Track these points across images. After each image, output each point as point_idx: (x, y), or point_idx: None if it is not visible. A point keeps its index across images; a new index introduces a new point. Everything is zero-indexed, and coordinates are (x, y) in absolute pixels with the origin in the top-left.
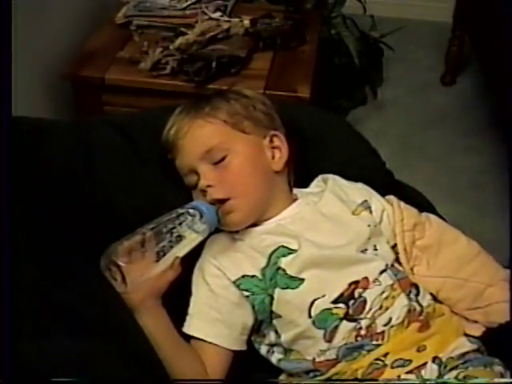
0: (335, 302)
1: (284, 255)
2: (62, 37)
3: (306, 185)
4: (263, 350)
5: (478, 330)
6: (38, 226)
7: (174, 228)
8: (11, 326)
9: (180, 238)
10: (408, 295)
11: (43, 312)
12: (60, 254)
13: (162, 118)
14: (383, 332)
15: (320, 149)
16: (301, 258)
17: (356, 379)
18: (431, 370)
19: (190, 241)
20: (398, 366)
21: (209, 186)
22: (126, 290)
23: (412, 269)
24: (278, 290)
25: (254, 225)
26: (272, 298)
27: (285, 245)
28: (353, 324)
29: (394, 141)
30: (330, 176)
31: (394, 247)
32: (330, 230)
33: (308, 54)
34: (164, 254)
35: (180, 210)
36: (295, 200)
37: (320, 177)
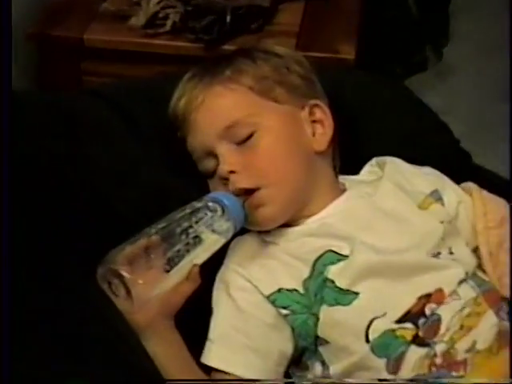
0: (400, 321)
1: (332, 262)
2: None
3: (355, 171)
4: None
5: None
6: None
7: (189, 227)
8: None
9: (197, 239)
10: (497, 312)
11: (40, 332)
12: (44, 260)
13: (167, 87)
14: (465, 360)
15: (372, 124)
16: (354, 265)
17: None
18: None
19: (210, 244)
20: None
21: (232, 172)
22: (132, 309)
23: (500, 278)
24: (324, 308)
25: (291, 224)
26: (317, 319)
27: (333, 249)
28: (424, 350)
29: (464, 117)
30: (388, 159)
31: (475, 250)
32: (391, 228)
33: (351, 2)
34: (178, 262)
35: (196, 204)
36: (343, 191)
37: (374, 160)
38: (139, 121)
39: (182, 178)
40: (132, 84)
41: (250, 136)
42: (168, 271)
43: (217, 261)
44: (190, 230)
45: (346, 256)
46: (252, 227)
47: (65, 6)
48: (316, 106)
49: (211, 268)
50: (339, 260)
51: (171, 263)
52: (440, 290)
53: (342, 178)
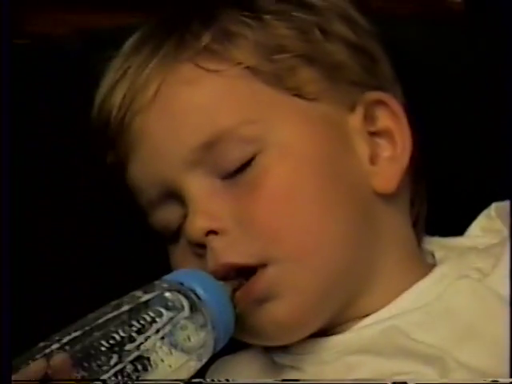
0: None
1: None
2: None
3: (460, 229)
4: None
5: None
6: None
7: (127, 341)
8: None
9: (143, 365)
10: None
11: None
12: None
13: (86, 62)
14: None
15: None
16: None
17: None
18: None
19: (168, 372)
20: None
21: (213, 232)
22: None
23: None
24: None
25: (328, 330)
26: None
27: (406, 381)
28: None
29: None
30: None
31: None
32: None
33: None
34: None
35: (141, 296)
36: (431, 267)
37: (494, 207)
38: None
39: (112, 239)
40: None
41: (249, 162)
42: None
43: None
44: (128, 347)
45: None
46: (251, 339)
47: None
48: (379, 103)
49: None
50: None
51: None
52: None
53: (433, 242)
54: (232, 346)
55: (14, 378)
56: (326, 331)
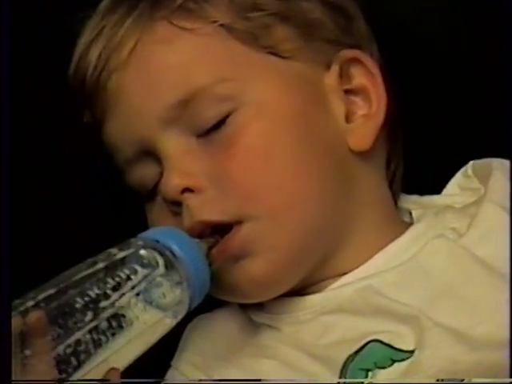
0: None
1: (382, 366)
2: None
3: (437, 187)
4: None
5: None
6: None
7: (102, 298)
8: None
9: (118, 322)
10: None
11: None
12: None
13: (74, 17)
14: None
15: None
16: (424, 371)
17: None
18: None
19: (144, 329)
20: None
21: (187, 189)
22: None
23: None
24: None
25: (304, 290)
26: None
27: (382, 339)
28: None
29: None
30: (496, 162)
31: None
32: (493, 296)
33: None
34: (79, 364)
35: (117, 254)
36: (408, 226)
37: (471, 165)
38: None
39: (91, 198)
40: None
41: (224, 120)
42: (58, 382)
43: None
44: (103, 303)
45: (410, 352)
46: (227, 297)
47: None
48: (354, 61)
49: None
50: (394, 360)
51: (65, 367)
52: None
53: (409, 201)
54: (209, 303)
55: None
56: (302, 290)
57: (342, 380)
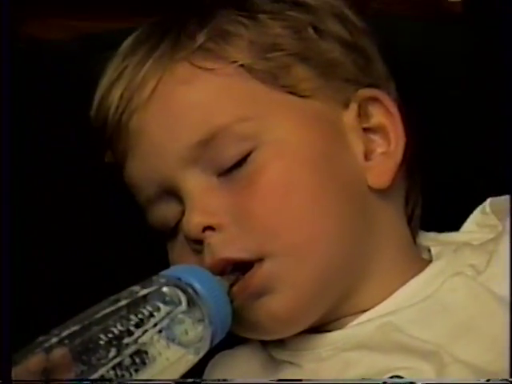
0: None
1: None
2: None
3: (455, 224)
4: None
5: None
6: None
7: (125, 335)
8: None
9: (141, 358)
10: None
11: None
12: None
13: (84, 64)
14: None
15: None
16: None
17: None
18: None
19: (166, 365)
20: None
21: (210, 228)
22: None
23: None
24: None
25: (324, 327)
26: None
27: (402, 375)
28: None
29: None
30: None
31: None
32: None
33: None
34: None
35: (139, 291)
36: (427, 263)
37: (489, 203)
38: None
39: (112, 240)
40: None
41: (245, 158)
42: None
43: None
44: (126, 340)
45: None
46: (248, 334)
47: None
48: (373, 100)
49: None
50: None
51: None
52: None
53: (427, 238)
54: (230, 340)
55: (14, 371)
56: (322, 327)
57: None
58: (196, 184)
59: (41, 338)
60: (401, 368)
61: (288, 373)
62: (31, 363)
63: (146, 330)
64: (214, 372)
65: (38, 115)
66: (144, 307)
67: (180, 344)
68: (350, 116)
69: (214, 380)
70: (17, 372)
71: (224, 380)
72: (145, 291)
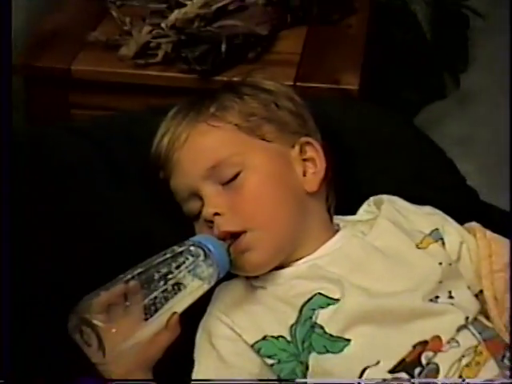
0: (394, 370)
1: (322, 306)
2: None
3: (353, 211)
4: None
5: None
6: None
7: (169, 273)
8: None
9: (178, 286)
10: (500, 361)
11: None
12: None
13: (150, 124)
14: None
15: (372, 161)
16: (345, 309)
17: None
18: None
19: (192, 290)
20: None
21: (216, 214)
22: (104, 361)
23: (506, 325)
24: (314, 356)
25: (280, 267)
26: (306, 367)
27: (322, 292)
28: None
29: (484, 149)
30: (386, 197)
31: (478, 294)
32: (386, 270)
33: (357, 28)
34: (156, 310)
35: (177, 249)
36: (337, 232)
37: (372, 199)
38: (120, 160)
39: (164, 221)
40: (115, 120)
41: (236, 176)
42: (146, 319)
43: (200, 308)
44: (170, 276)
45: (337, 300)
46: (238, 272)
47: (51, 35)
48: (307, 143)
49: (194, 315)
50: (329, 304)
51: (148, 311)
52: (437, 338)
53: (338, 219)
54: (228, 276)
55: (103, 295)
56: (280, 267)
57: (350, 380)
58: (209, 190)
59: (120, 276)
60: (321, 288)
61: (259, 292)
62: (117, 289)
63: (180, 271)
64: (218, 293)
65: None
66: (180, 257)
67: (200, 278)
68: (294, 152)
69: (223, 380)
70: (106, 295)
71: (230, 380)
72: (181, 249)
